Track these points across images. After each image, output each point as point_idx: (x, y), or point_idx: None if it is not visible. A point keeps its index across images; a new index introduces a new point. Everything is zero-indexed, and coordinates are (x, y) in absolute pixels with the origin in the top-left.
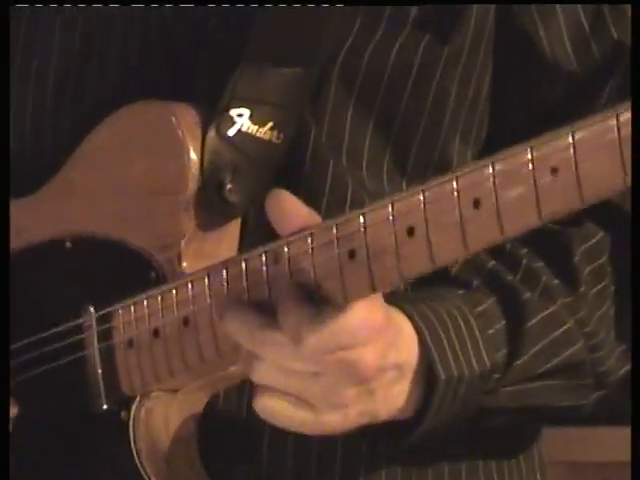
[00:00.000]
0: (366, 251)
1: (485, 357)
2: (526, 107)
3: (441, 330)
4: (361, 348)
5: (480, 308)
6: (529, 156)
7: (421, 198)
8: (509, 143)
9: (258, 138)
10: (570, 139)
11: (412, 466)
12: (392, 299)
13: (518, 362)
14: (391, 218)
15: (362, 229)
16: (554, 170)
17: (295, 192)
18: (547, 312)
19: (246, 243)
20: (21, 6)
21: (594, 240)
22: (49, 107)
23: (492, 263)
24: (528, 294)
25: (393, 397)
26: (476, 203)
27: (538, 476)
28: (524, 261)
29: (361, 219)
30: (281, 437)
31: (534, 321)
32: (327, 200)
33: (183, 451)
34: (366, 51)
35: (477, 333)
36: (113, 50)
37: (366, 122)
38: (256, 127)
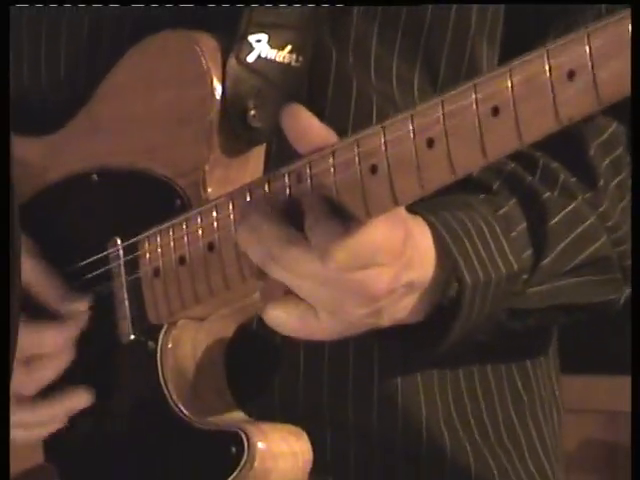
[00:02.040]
0: (387, 165)
1: (511, 258)
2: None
3: (464, 236)
4: (377, 269)
5: (502, 211)
6: (546, 62)
7: (440, 109)
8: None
9: (278, 62)
10: (586, 42)
11: (446, 368)
12: (415, 207)
13: (544, 261)
14: (411, 131)
15: (383, 144)
16: (571, 74)
17: (320, 113)
18: (568, 209)
19: (271, 168)
20: (21, 6)
21: (608, 132)
22: (73, 46)
23: (511, 165)
24: (548, 193)
25: (398, 310)
26: (495, 111)
27: (553, 379)
28: (541, 161)
29: (382, 134)
30: (317, 353)
31: (556, 219)
32: (353, 118)
33: (211, 379)
34: None
35: (501, 236)
36: None
37: (392, 39)
38: (275, 51)
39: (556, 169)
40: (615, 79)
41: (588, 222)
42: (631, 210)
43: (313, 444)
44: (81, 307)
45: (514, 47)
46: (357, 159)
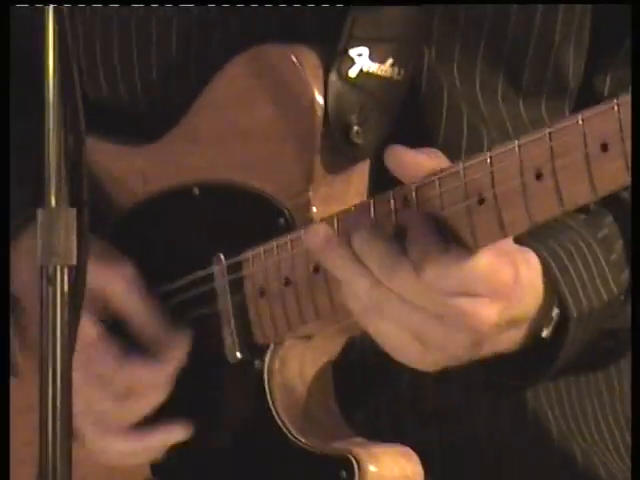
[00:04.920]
0: (494, 196)
1: (612, 283)
2: None
3: (571, 267)
4: (483, 300)
5: (602, 233)
6: None
7: (547, 140)
8: None
9: (380, 76)
10: None
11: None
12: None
13: None
14: (519, 162)
15: (490, 174)
16: None
17: (413, 123)
18: None
19: (376, 184)
20: (21, 6)
21: None
22: (174, 57)
23: None
24: None
25: (498, 343)
26: (603, 146)
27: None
28: None
29: (489, 163)
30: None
31: None
32: (444, 130)
33: (320, 398)
34: None
35: (603, 262)
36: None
37: (475, 43)
38: (377, 65)
39: None
40: None
41: None
42: (631, 210)
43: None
44: (182, 346)
45: (602, 49)
46: (464, 188)
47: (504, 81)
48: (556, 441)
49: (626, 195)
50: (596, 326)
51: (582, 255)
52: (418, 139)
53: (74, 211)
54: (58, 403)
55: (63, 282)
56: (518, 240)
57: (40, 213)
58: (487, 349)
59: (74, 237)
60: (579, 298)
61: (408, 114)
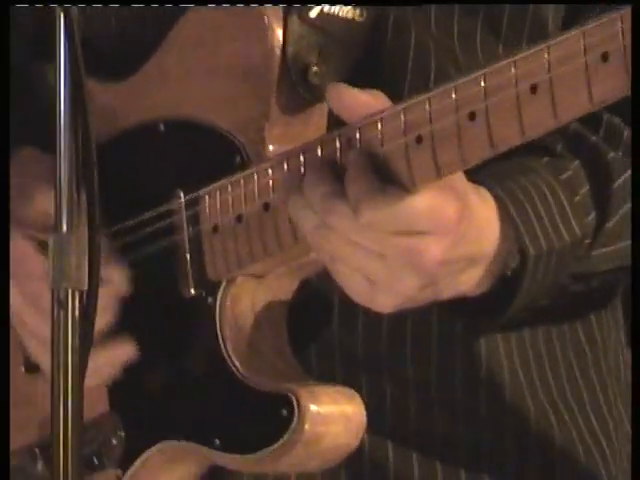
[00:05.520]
0: (431, 134)
1: (575, 225)
2: None
3: (529, 206)
4: (427, 238)
5: (565, 175)
6: (581, 42)
7: (482, 84)
8: None
9: (341, 17)
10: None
11: (511, 331)
12: (479, 174)
13: (608, 224)
14: (454, 104)
15: (428, 115)
16: (604, 56)
17: (378, 69)
18: None
19: (333, 125)
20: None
21: None
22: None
23: (575, 125)
24: (612, 153)
25: (460, 283)
26: (533, 88)
27: (620, 322)
28: (605, 117)
29: (427, 105)
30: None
31: (621, 180)
32: (410, 72)
33: (270, 337)
34: None
35: (565, 202)
36: None
37: None
38: (338, 6)
39: (619, 125)
40: None
41: None
42: (631, 210)
43: (372, 397)
44: (117, 274)
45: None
46: (403, 128)
47: (483, 26)
48: (508, 399)
49: (596, 140)
50: (559, 267)
51: (541, 194)
52: (383, 83)
53: (85, 236)
54: (70, 424)
55: (74, 306)
56: (475, 181)
57: (52, 238)
58: (448, 289)
59: (85, 262)
60: (537, 236)
61: (373, 58)
